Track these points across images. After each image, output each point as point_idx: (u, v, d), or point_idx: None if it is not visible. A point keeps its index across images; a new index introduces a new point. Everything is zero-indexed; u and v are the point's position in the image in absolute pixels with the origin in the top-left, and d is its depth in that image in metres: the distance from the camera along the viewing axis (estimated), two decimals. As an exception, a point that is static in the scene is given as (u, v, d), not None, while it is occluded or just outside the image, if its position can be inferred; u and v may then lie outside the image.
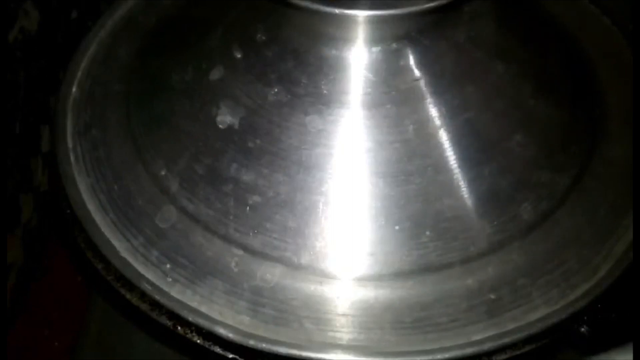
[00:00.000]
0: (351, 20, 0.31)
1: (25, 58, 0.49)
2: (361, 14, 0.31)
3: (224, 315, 0.31)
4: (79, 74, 0.41)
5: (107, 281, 0.32)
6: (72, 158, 0.37)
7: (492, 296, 0.31)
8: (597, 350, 0.30)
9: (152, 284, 0.31)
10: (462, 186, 0.32)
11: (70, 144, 0.37)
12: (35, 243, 0.53)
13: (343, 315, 0.30)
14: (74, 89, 0.40)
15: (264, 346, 0.29)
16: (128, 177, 0.36)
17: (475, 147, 0.33)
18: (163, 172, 0.35)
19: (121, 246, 0.33)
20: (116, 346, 0.46)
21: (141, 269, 0.32)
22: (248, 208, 0.32)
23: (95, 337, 0.47)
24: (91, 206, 0.34)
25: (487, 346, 0.29)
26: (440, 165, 0.32)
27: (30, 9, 0.49)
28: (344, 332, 0.30)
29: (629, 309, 0.31)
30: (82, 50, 0.42)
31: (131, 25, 0.44)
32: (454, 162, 0.32)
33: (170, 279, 0.32)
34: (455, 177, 0.32)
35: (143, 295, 0.31)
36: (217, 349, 0.31)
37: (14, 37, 0.46)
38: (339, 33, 0.32)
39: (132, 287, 0.31)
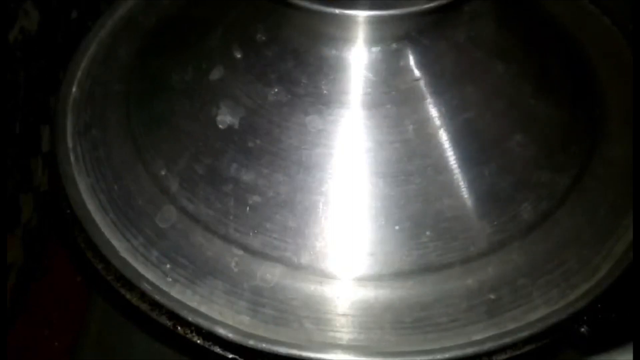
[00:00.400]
0: (351, 20, 0.31)
1: (25, 58, 0.49)
2: (361, 14, 0.31)
3: (224, 315, 0.31)
4: (79, 74, 0.41)
5: (107, 281, 0.32)
6: (72, 158, 0.37)
7: (492, 296, 0.31)
8: (597, 350, 0.30)
9: (152, 284, 0.31)
10: (463, 186, 0.32)
11: (70, 144, 0.37)
12: (35, 243, 0.53)
13: (343, 315, 0.30)
14: (74, 89, 0.40)
15: (263, 346, 0.29)
16: (128, 177, 0.36)
17: (475, 147, 0.33)
18: (163, 172, 0.35)
19: (121, 246, 0.33)
20: (116, 346, 0.46)
21: (141, 269, 0.32)
22: (248, 208, 0.32)
23: (95, 337, 0.47)
24: (91, 206, 0.34)
25: (487, 346, 0.29)
26: (440, 165, 0.32)
27: (30, 9, 0.49)
28: (344, 332, 0.30)
29: (629, 309, 0.31)
30: (82, 50, 0.42)
31: (131, 25, 0.44)
32: (454, 162, 0.32)
33: (170, 279, 0.32)
34: (455, 177, 0.32)
35: (143, 295, 0.31)
36: (217, 349, 0.31)
37: (14, 37, 0.46)
38: (338, 33, 0.32)
39: (132, 287, 0.31)
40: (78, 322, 0.48)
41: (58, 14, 0.54)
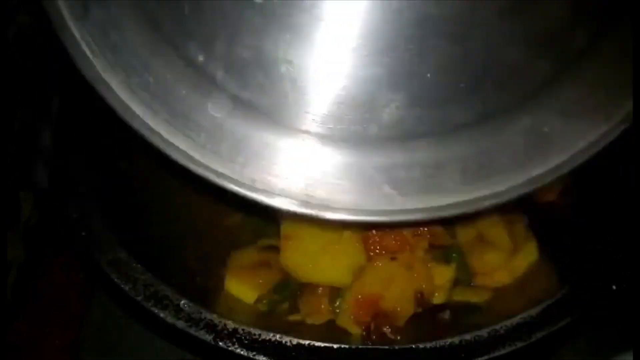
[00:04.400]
0: None
1: (23, 55, 0.43)
2: None
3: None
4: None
5: (136, 301, 0.33)
6: (87, 52, 0.32)
7: (546, 129, 0.33)
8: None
9: (230, 180, 0.32)
10: (525, 32, 0.31)
11: (77, 34, 0.32)
12: (35, 242, 0.51)
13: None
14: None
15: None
16: (158, 64, 0.32)
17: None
18: (201, 58, 0.32)
19: (189, 147, 0.32)
20: (116, 345, 0.47)
21: (215, 165, 0.32)
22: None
23: (95, 337, 0.47)
24: (138, 110, 0.32)
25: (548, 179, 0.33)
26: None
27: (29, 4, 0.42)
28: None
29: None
30: None
31: None
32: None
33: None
34: (517, 25, 0.31)
35: (178, 312, 0.32)
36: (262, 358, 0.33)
37: (12, 33, 0.41)
38: None
39: (164, 305, 0.32)
40: (78, 321, 0.48)
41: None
